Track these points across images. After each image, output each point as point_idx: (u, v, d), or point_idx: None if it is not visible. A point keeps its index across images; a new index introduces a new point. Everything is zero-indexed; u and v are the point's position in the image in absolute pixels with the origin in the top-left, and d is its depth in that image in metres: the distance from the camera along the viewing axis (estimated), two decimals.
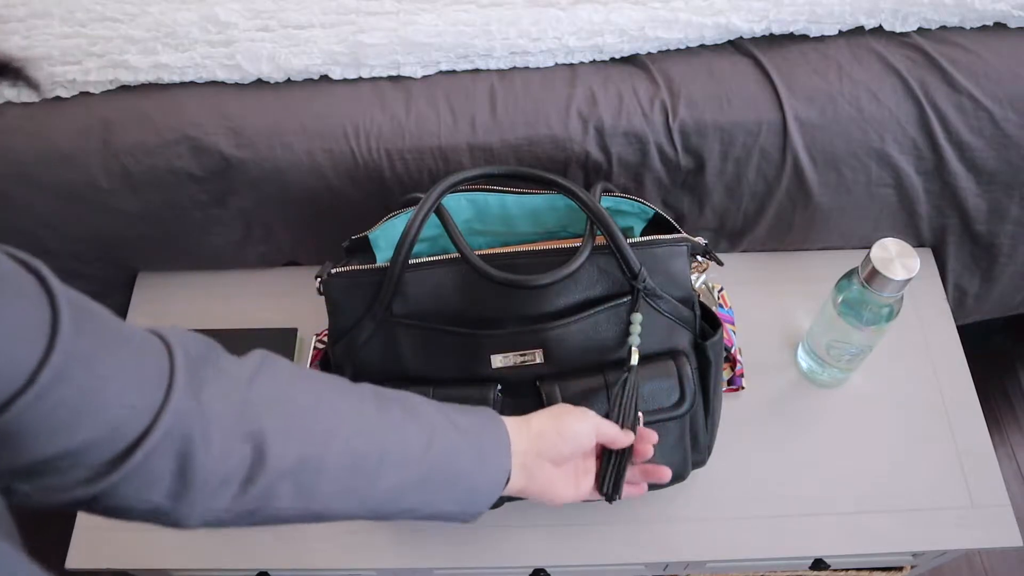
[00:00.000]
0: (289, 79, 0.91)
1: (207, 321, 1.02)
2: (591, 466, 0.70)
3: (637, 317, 0.76)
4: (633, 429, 0.71)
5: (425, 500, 0.57)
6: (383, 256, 0.86)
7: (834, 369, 0.93)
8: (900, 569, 1.01)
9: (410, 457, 0.55)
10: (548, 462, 0.65)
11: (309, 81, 0.91)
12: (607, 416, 0.71)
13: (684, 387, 0.77)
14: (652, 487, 0.77)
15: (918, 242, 1.04)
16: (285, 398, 0.52)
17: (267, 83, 0.91)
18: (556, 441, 0.65)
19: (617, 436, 0.68)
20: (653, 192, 0.94)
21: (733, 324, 0.99)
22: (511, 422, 0.63)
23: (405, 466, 0.55)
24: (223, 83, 0.91)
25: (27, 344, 0.37)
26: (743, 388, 0.96)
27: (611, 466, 0.71)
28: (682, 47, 0.93)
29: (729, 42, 0.94)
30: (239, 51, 0.90)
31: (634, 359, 0.74)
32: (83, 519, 0.90)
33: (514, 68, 0.92)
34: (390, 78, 0.92)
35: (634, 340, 0.75)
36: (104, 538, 0.88)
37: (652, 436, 0.71)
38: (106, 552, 0.87)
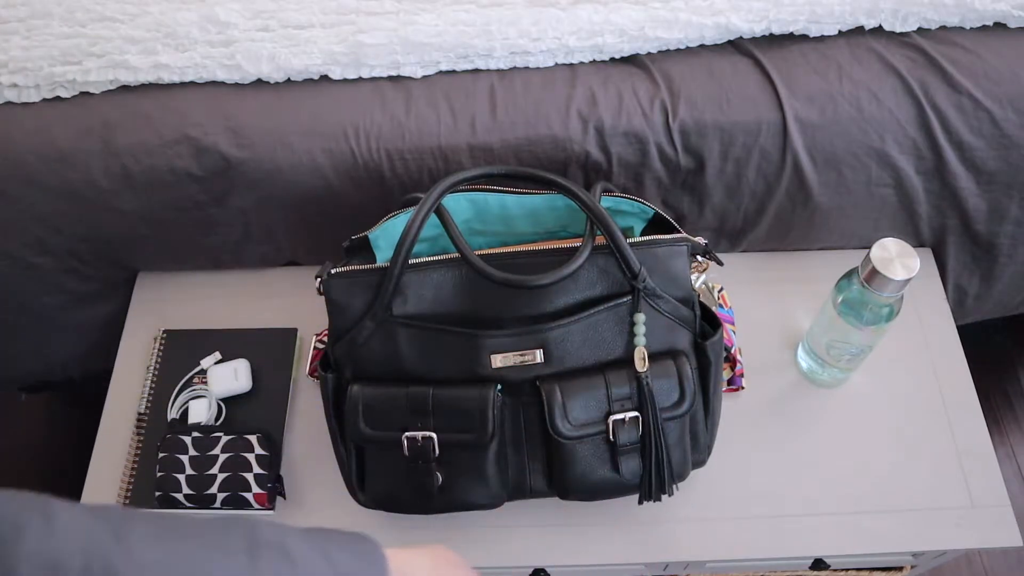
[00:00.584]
0: (289, 79, 0.91)
1: (207, 321, 1.02)
2: None
3: (640, 317, 0.76)
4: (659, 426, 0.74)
5: None
6: (383, 256, 0.86)
7: (834, 369, 0.93)
8: (900, 569, 1.01)
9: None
10: None
11: (309, 81, 0.91)
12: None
13: (684, 387, 0.77)
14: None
15: (918, 242, 1.04)
16: None
17: (267, 83, 0.91)
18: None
19: None
20: (653, 192, 0.94)
21: (733, 324, 0.99)
22: (394, 558, 0.54)
23: None
24: (223, 83, 0.91)
25: None
26: (743, 388, 0.96)
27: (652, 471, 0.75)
28: (682, 47, 0.93)
29: (729, 42, 0.94)
30: (239, 51, 0.90)
31: (643, 361, 0.75)
32: None
33: (514, 68, 0.92)
34: (390, 78, 0.92)
35: (640, 341, 0.75)
36: None
37: None
38: None
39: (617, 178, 0.92)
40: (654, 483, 0.78)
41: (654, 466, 0.77)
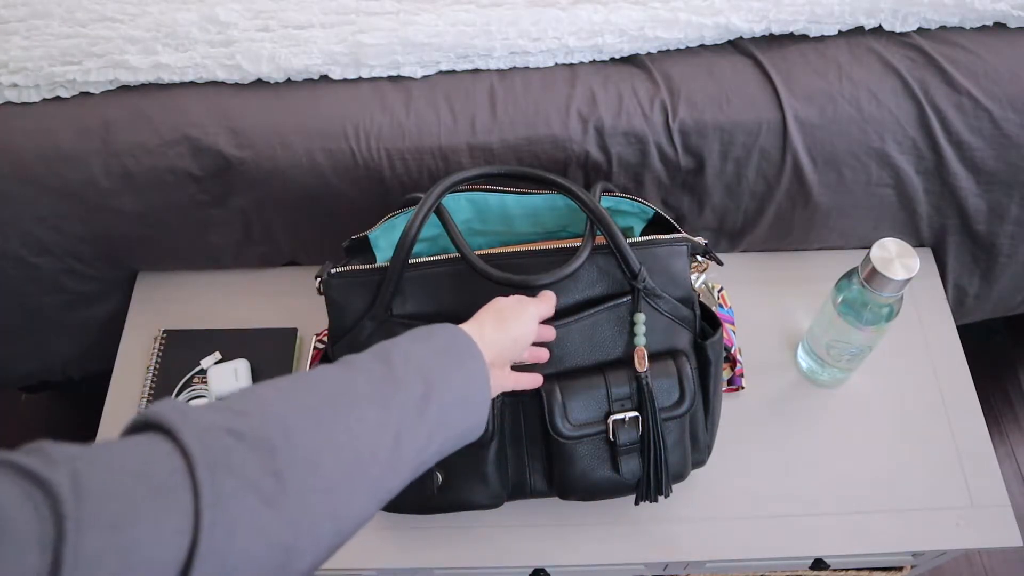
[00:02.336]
0: (289, 79, 0.91)
1: (207, 321, 1.02)
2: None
3: (640, 317, 0.76)
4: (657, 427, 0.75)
5: (441, 438, 0.55)
6: (383, 256, 0.86)
7: (834, 369, 0.93)
8: (900, 569, 1.01)
9: (418, 410, 0.53)
10: (503, 367, 0.66)
11: (309, 81, 0.91)
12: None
13: (684, 386, 0.77)
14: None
15: (918, 242, 1.04)
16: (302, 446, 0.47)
17: (267, 83, 0.91)
18: (509, 349, 0.65)
19: (548, 309, 0.71)
20: (653, 192, 0.94)
21: (733, 324, 0.99)
22: (470, 331, 0.62)
23: (420, 420, 0.53)
24: (223, 83, 0.91)
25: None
26: (743, 388, 0.96)
27: (650, 471, 0.76)
28: (682, 47, 0.93)
29: (729, 42, 0.94)
30: (239, 51, 0.90)
31: (643, 361, 0.75)
32: None
33: (514, 68, 0.92)
34: (390, 78, 0.92)
35: (640, 341, 0.75)
36: None
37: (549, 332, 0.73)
38: None
39: (617, 178, 0.92)
40: (652, 484, 0.78)
41: (652, 466, 0.77)
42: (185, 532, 0.38)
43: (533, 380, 0.71)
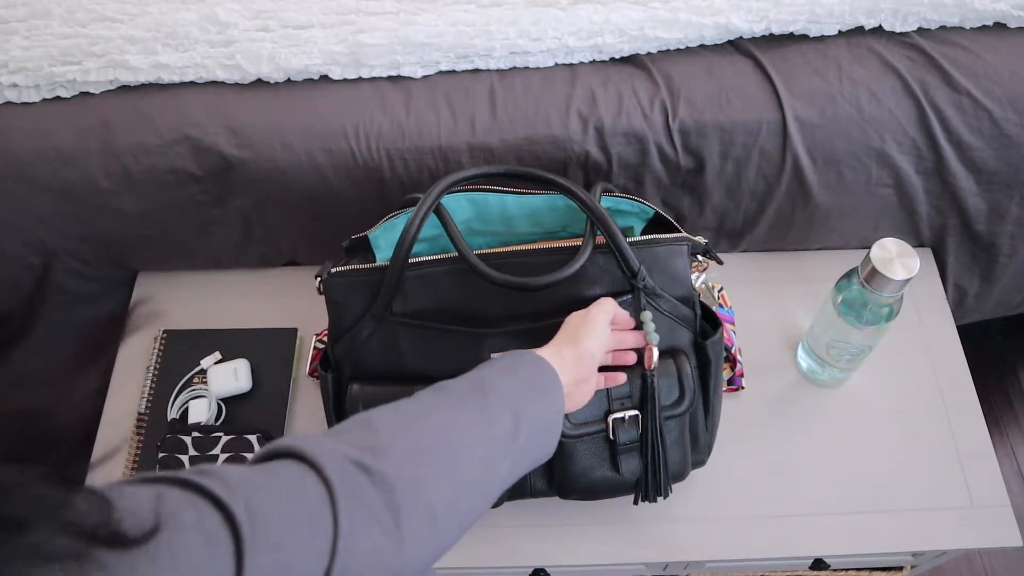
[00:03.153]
0: (289, 79, 0.91)
1: (207, 321, 1.02)
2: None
3: (647, 315, 0.76)
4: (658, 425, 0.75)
5: (519, 466, 0.60)
6: (383, 256, 0.86)
7: (834, 369, 0.93)
8: (900, 569, 1.01)
9: (508, 442, 0.58)
10: (582, 383, 0.68)
11: (309, 81, 0.91)
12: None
13: (684, 386, 0.77)
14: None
15: (918, 242, 1.04)
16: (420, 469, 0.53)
17: (267, 83, 0.91)
18: (589, 364, 0.68)
19: (621, 313, 0.74)
20: (653, 192, 0.94)
21: (733, 324, 0.99)
22: (551, 357, 0.66)
23: (507, 452, 0.58)
24: (223, 83, 0.91)
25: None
26: (743, 388, 0.96)
27: (648, 471, 0.76)
28: (682, 47, 0.93)
29: (729, 42, 0.94)
30: (239, 51, 0.90)
31: (654, 358, 0.75)
32: None
33: (514, 68, 0.92)
34: (390, 78, 0.92)
35: (653, 338, 0.75)
36: None
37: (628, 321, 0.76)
38: None
39: (617, 178, 0.92)
40: (651, 484, 0.78)
41: (651, 466, 0.77)
42: (326, 554, 0.44)
43: (617, 378, 0.74)
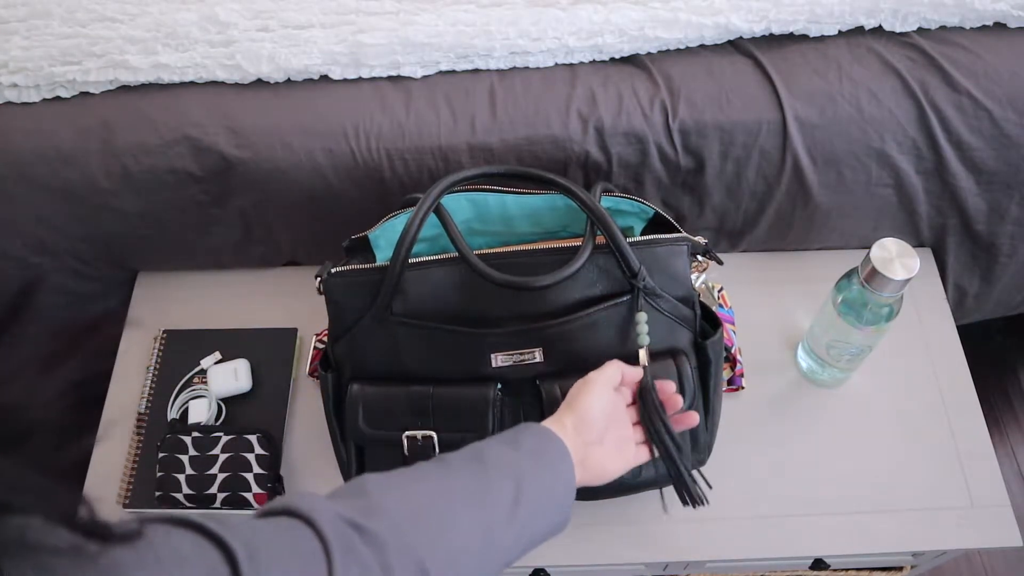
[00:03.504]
0: (289, 79, 0.91)
1: (207, 321, 1.02)
2: (627, 433, 0.71)
3: (642, 316, 0.76)
4: (661, 415, 0.72)
5: (528, 537, 0.61)
6: (383, 256, 0.86)
7: (834, 369, 0.93)
8: (900, 569, 1.01)
9: (510, 511, 0.59)
10: (593, 446, 0.67)
11: (309, 81, 0.91)
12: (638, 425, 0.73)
13: (684, 386, 0.77)
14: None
15: (918, 242, 1.04)
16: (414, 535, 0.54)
17: (267, 83, 0.91)
18: (589, 424, 0.66)
19: (632, 373, 0.72)
20: (653, 192, 0.94)
21: (733, 324, 0.99)
22: (553, 426, 0.66)
23: (510, 521, 0.58)
24: (223, 83, 0.91)
25: None
26: (743, 388, 0.96)
27: (662, 443, 0.72)
28: (682, 47, 0.93)
29: (729, 42, 0.94)
30: (239, 51, 0.90)
31: (643, 359, 0.74)
32: None
33: (514, 68, 0.92)
34: (390, 78, 0.92)
35: (643, 340, 0.75)
36: None
37: (669, 385, 0.73)
38: None
39: (617, 178, 0.92)
40: (682, 481, 0.73)
41: (669, 462, 0.73)
42: None
43: (641, 454, 0.71)
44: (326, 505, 0.50)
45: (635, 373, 0.72)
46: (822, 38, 0.92)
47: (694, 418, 0.73)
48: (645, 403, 0.73)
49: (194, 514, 0.44)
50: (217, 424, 0.94)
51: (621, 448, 0.69)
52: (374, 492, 0.55)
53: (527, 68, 0.92)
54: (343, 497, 0.54)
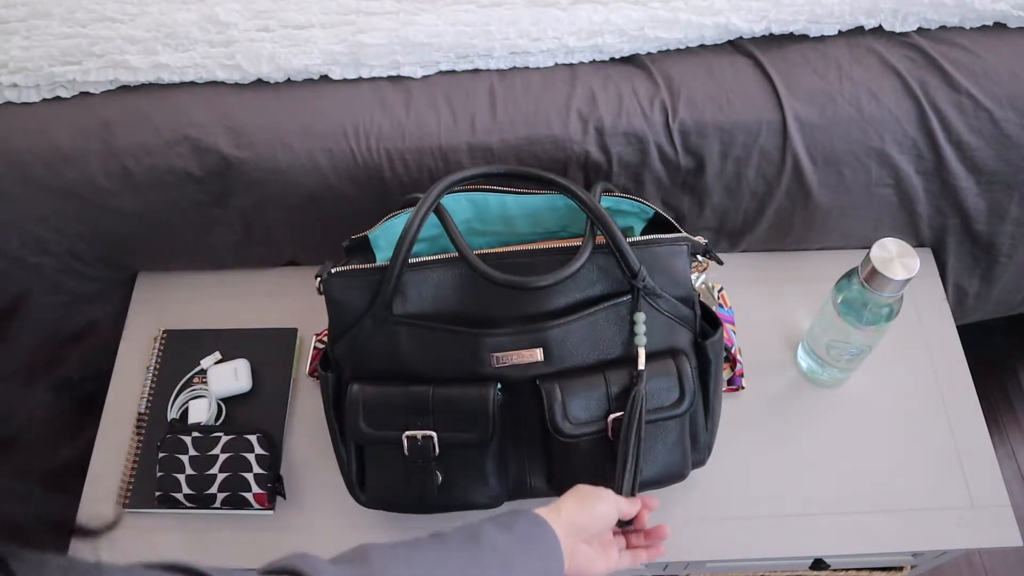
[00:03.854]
0: (289, 79, 0.91)
1: (207, 321, 1.02)
2: (610, 538, 0.74)
3: (640, 317, 0.76)
4: (635, 483, 0.75)
5: None
6: (383, 256, 0.86)
7: (834, 369, 0.93)
8: (900, 569, 1.01)
9: None
10: (581, 543, 0.68)
11: (309, 81, 0.91)
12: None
13: (684, 386, 0.77)
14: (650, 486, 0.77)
15: (918, 242, 1.04)
16: None
17: (267, 83, 0.91)
18: (588, 523, 0.68)
19: (631, 510, 0.73)
20: (653, 192, 0.94)
21: (733, 324, 0.99)
22: (546, 514, 0.67)
23: None
24: (223, 83, 0.91)
25: None
26: (743, 388, 0.96)
27: (626, 471, 0.74)
28: (682, 47, 0.93)
29: (729, 42, 0.94)
30: (239, 51, 0.90)
31: (641, 362, 0.74)
32: None
33: (514, 68, 0.92)
34: (390, 78, 0.92)
35: (640, 340, 0.75)
36: None
37: (653, 503, 0.76)
38: None
39: (617, 178, 0.92)
40: (623, 480, 0.75)
41: (622, 462, 0.75)
42: None
43: (639, 556, 0.74)
44: (330, 571, 0.52)
45: (631, 509, 0.73)
46: (822, 38, 0.92)
47: (664, 530, 0.75)
48: (631, 410, 0.74)
49: (204, 565, 0.44)
50: (217, 424, 0.94)
51: (607, 550, 0.71)
52: (376, 561, 0.56)
53: (527, 68, 0.92)
54: (345, 563, 0.55)
